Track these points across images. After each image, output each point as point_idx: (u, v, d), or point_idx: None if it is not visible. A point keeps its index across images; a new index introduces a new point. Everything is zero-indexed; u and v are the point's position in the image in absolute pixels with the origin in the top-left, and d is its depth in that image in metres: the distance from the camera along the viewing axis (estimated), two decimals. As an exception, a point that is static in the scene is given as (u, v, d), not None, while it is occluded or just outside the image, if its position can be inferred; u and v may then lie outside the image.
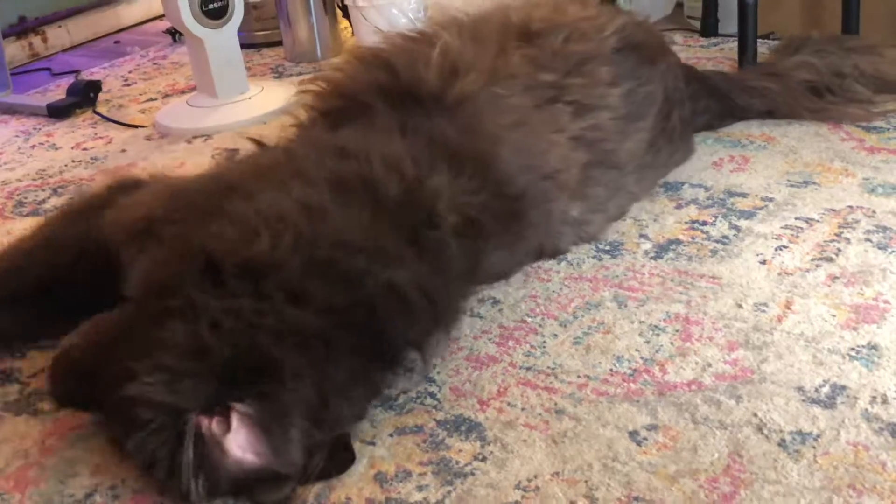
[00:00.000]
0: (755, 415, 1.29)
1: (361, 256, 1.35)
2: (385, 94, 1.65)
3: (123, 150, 2.47)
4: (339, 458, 1.27)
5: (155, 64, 3.24)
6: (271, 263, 1.30)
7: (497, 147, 1.59)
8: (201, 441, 1.17)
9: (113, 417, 1.28)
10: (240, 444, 1.18)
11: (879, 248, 1.64)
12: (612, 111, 1.76)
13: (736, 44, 2.51)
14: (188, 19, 2.49)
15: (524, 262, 1.68)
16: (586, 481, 1.21)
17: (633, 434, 1.28)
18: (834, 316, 1.48)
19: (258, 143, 1.75)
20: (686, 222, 1.79)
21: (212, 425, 1.17)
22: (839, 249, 1.65)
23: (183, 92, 2.87)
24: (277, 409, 1.20)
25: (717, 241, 1.71)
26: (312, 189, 1.42)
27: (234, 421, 1.18)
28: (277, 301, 1.27)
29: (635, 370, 1.41)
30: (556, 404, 1.35)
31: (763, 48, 2.49)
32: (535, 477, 1.23)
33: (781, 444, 1.24)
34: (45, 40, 3.49)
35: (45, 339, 1.58)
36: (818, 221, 1.74)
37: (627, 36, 1.87)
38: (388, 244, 1.39)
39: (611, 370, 1.41)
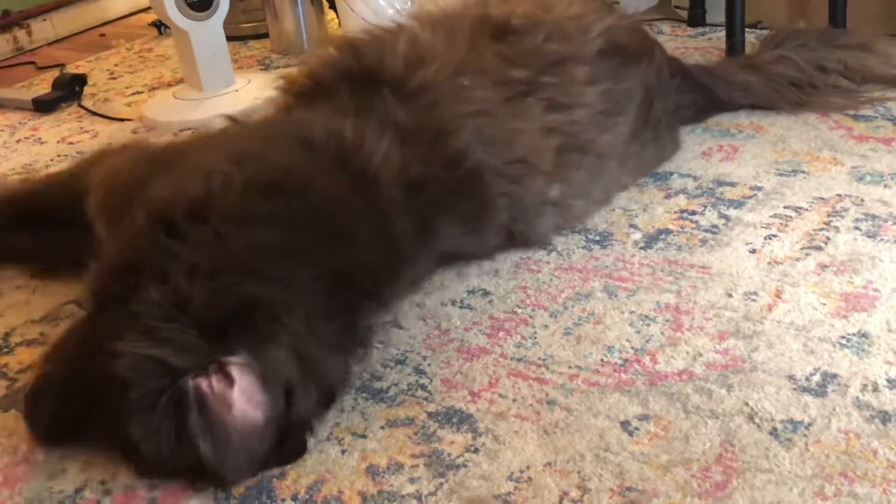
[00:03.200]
0: (746, 404, 1.29)
1: (298, 176, 1.40)
2: (349, 78, 1.66)
3: (110, 144, 2.45)
4: (292, 446, 1.28)
5: (141, 57, 3.22)
6: (211, 198, 1.33)
7: (453, 127, 1.59)
8: (205, 401, 1.17)
9: (109, 419, 1.24)
10: (244, 395, 1.18)
11: (868, 237, 1.64)
12: (588, 108, 1.75)
13: (723, 33, 2.51)
14: (173, 12, 2.47)
15: (496, 244, 1.68)
16: (578, 472, 1.21)
17: (624, 424, 1.28)
18: (824, 304, 1.48)
19: (232, 119, 1.77)
20: (675, 212, 1.79)
21: (212, 382, 1.17)
22: (828, 238, 1.65)
23: (169, 85, 2.86)
24: (270, 358, 1.22)
25: (706, 231, 1.71)
26: (248, 143, 1.48)
27: (234, 373, 1.18)
28: (231, 229, 1.30)
29: (626, 360, 1.41)
30: (547, 395, 1.35)
31: (750, 37, 2.49)
32: (528, 468, 1.23)
33: (773, 432, 1.24)
34: (29, 34, 3.47)
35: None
36: (807, 210, 1.74)
37: (613, 37, 1.86)
38: (324, 177, 1.43)
39: (602, 360, 1.41)
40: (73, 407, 1.28)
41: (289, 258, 1.32)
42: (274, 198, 1.37)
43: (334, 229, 1.39)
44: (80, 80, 2.87)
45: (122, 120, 2.63)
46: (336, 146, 1.49)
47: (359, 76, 1.66)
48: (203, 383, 1.18)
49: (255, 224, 1.33)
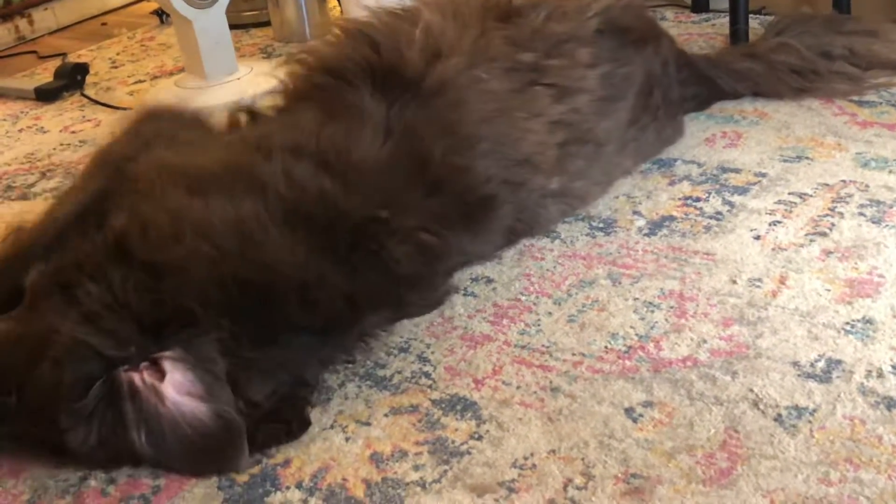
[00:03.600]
0: (751, 390, 1.29)
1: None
2: (370, 74, 1.64)
3: (112, 133, 2.45)
4: (295, 424, 1.29)
5: (143, 46, 3.22)
6: (179, 270, 1.31)
7: (473, 149, 1.57)
8: (137, 391, 1.18)
9: (36, 415, 1.23)
10: (175, 387, 1.19)
11: (873, 222, 1.63)
12: (590, 94, 1.75)
13: (727, 20, 2.50)
14: (176, 0, 2.47)
15: (498, 246, 1.67)
16: (583, 459, 1.21)
17: (628, 411, 1.28)
18: (828, 290, 1.48)
19: (251, 112, 1.75)
20: (679, 199, 1.79)
21: (143, 375, 1.19)
22: (833, 224, 1.64)
23: (171, 73, 2.86)
24: (202, 352, 1.23)
25: (710, 218, 1.71)
26: (252, 205, 1.40)
27: (166, 366, 1.20)
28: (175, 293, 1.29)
29: (630, 347, 1.40)
30: (551, 382, 1.35)
31: (754, 23, 2.48)
32: (532, 455, 1.23)
33: (777, 419, 1.24)
34: (31, 23, 3.47)
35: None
36: (812, 196, 1.74)
37: (612, 18, 1.85)
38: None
39: (606, 347, 1.41)
40: None
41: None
42: (266, 224, 1.36)
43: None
44: (83, 69, 2.86)
45: (124, 109, 2.62)
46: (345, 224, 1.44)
47: (378, 71, 1.63)
48: (136, 375, 1.20)
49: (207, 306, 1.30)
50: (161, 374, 1.20)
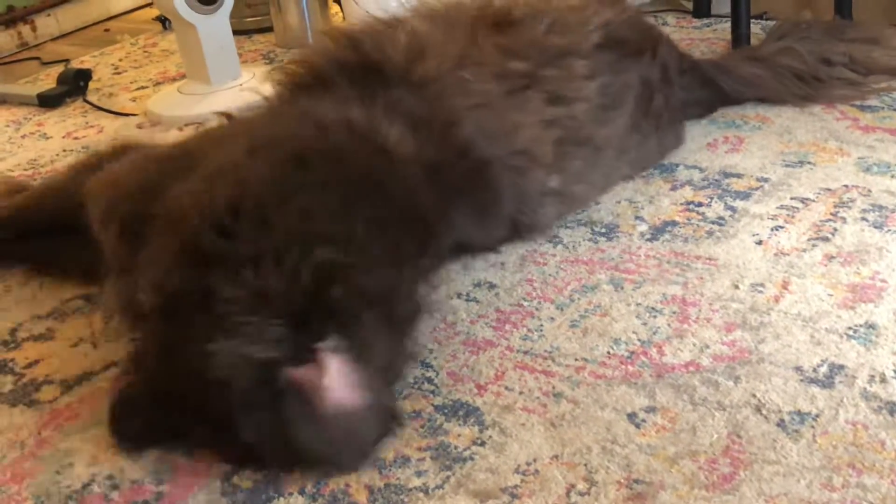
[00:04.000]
0: (754, 395, 1.29)
1: (322, 147, 1.40)
2: (348, 70, 1.65)
3: (115, 139, 2.46)
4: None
5: (145, 52, 3.22)
6: (246, 191, 1.31)
7: (461, 118, 1.59)
8: (301, 391, 1.15)
9: (206, 425, 1.23)
10: (336, 381, 1.16)
11: (875, 227, 1.63)
12: (587, 102, 1.75)
13: (729, 25, 2.50)
14: (181, 5, 2.47)
15: (503, 236, 1.67)
16: (585, 464, 1.21)
17: (631, 416, 1.28)
18: (831, 295, 1.48)
19: (227, 115, 1.75)
20: (681, 204, 1.79)
21: (304, 373, 1.16)
22: (835, 229, 1.64)
23: (174, 79, 2.86)
24: (359, 338, 1.21)
25: (712, 223, 1.71)
26: (261, 131, 1.46)
27: (325, 360, 1.17)
28: (275, 211, 1.28)
29: (633, 352, 1.40)
30: (553, 388, 1.35)
31: (756, 28, 2.48)
32: (534, 461, 1.23)
33: (780, 424, 1.24)
34: (34, 29, 3.47)
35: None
36: (814, 201, 1.74)
37: (611, 31, 1.85)
38: (346, 147, 1.43)
39: (608, 353, 1.41)
40: (165, 416, 1.26)
41: (338, 217, 1.30)
42: (304, 168, 1.35)
43: (371, 186, 1.37)
44: (85, 75, 2.86)
45: (127, 115, 2.63)
46: (349, 129, 1.48)
47: (359, 68, 1.65)
48: (297, 374, 1.16)
49: (295, 196, 1.30)
50: (323, 367, 1.16)
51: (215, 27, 2.55)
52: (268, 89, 1.78)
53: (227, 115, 1.75)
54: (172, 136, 2.34)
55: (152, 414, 1.27)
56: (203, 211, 1.31)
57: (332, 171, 1.38)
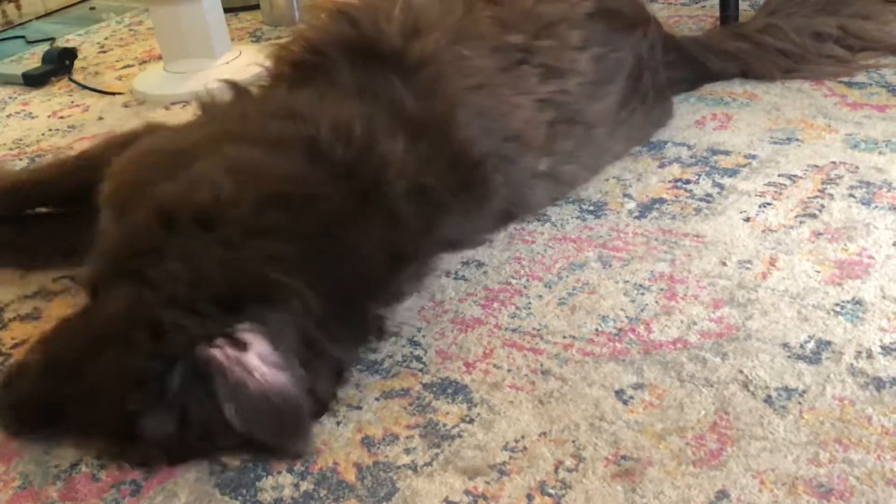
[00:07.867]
0: (741, 372, 1.29)
1: (305, 188, 1.38)
2: (348, 50, 1.64)
3: (101, 118, 2.45)
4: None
5: (131, 30, 3.20)
6: (218, 208, 1.32)
7: (457, 111, 1.57)
8: (224, 366, 1.16)
9: (97, 402, 1.23)
10: (260, 358, 1.18)
11: (863, 204, 1.63)
12: (580, 76, 1.75)
13: (717, 1, 2.49)
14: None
15: (492, 227, 1.67)
16: (573, 441, 1.21)
17: (619, 393, 1.29)
18: (818, 272, 1.48)
19: (234, 85, 1.74)
20: (669, 181, 1.79)
21: (226, 349, 1.17)
22: (823, 205, 1.64)
23: (160, 58, 2.84)
24: (276, 325, 1.22)
25: (700, 200, 1.71)
26: (253, 152, 1.44)
27: (247, 338, 1.18)
28: (242, 239, 1.29)
29: (621, 329, 1.41)
30: (541, 365, 1.35)
31: (745, 5, 2.48)
32: (523, 438, 1.23)
33: (767, 400, 1.24)
34: (18, 7, 3.45)
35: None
36: (801, 178, 1.74)
37: (604, 2, 1.85)
38: (331, 187, 1.41)
39: (596, 330, 1.41)
40: (49, 394, 1.26)
41: (298, 270, 1.30)
42: (282, 210, 1.34)
43: (343, 241, 1.37)
44: (71, 53, 2.85)
45: (113, 94, 2.61)
46: (344, 150, 1.45)
47: (358, 48, 1.63)
48: (219, 351, 1.17)
49: (266, 236, 1.30)
50: (245, 346, 1.18)
51: (201, 5, 2.54)
52: (263, 64, 1.78)
53: (234, 84, 1.74)
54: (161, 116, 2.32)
55: (33, 392, 1.27)
56: (167, 206, 1.34)
57: (308, 221, 1.36)
